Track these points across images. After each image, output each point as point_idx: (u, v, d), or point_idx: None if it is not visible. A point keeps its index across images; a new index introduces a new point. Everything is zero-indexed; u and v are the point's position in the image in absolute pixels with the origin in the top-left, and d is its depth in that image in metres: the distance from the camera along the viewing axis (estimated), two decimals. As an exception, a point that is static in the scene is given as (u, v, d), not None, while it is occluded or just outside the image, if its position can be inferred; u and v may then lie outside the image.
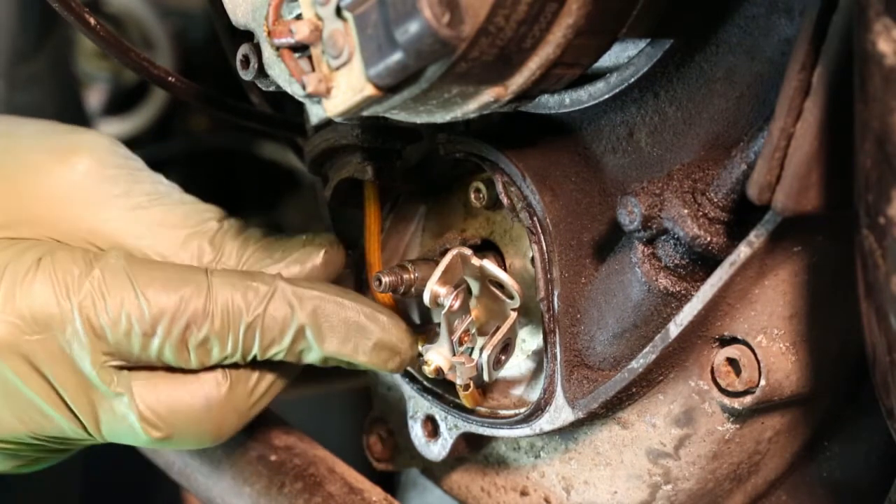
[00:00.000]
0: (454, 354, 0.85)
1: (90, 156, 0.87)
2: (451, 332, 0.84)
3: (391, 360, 0.86)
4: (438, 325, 0.86)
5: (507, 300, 0.85)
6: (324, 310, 0.84)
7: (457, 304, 0.84)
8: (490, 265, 0.85)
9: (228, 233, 0.89)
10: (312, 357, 0.85)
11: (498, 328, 0.85)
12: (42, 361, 0.80)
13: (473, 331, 0.86)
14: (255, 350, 0.83)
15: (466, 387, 0.87)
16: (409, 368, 0.92)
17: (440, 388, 0.93)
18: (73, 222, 0.86)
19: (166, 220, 0.87)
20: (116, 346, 0.80)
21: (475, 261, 0.85)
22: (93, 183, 0.86)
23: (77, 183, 0.86)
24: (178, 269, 0.83)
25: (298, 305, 0.83)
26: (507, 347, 0.86)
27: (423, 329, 0.93)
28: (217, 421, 0.84)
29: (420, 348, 0.88)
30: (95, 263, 0.81)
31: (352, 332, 0.84)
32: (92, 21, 0.85)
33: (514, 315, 0.85)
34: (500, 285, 0.85)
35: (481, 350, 0.85)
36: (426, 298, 0.84)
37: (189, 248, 0.87)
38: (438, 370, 0.86)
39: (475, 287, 0.88)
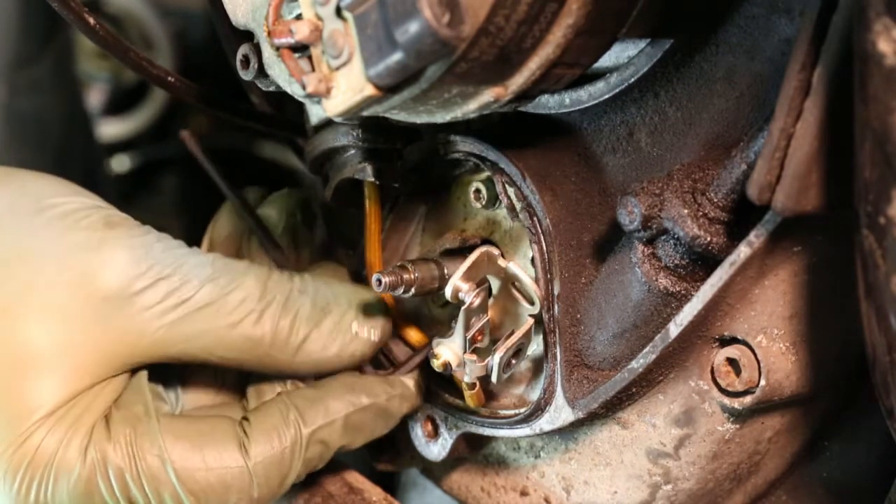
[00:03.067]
0: (465, 352, 0.85)
1: (114, 278, 0.82)
2: (466, 329, 0.84)
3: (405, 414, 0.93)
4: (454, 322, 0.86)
5: (527, 305, 0.84)
6: (353, 423, 0.88)
7: (477, 302, 0.84)
8: (516, 268, 0.85)
9: (277, 312, 0.85)
10: None
11: (513, 331, 0.85)
12: None
13: (487, 331, 0.86)
14: None
15: (472, 386, 0.87)
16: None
17: (440, 389, 0.93)
18: (117, 342, 0.83)
19: (206, 321, 0.84)
20: None
21: (502, 262, 0.85)
22: (124, 301, 0.82)
23: (107, 304, 0.82)
24: (214, 449, 0.83)
25: (331, 437, 0.86)
26: (518, 352, 0.86)
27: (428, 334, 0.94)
28: None
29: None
30: (139, 461, 0.81)
31: (377, 423, 0.90)
32: (91, 21, 0.85)
33: (531, 321, 0.85)
34: (522, 289, 0.85)
35: (494, 351, 0.84)
36: (448, 292, 0.84)
37: (236, 343, 0.85)
38: (447, 365, 0.86)
39: (495, 287, 0.87)
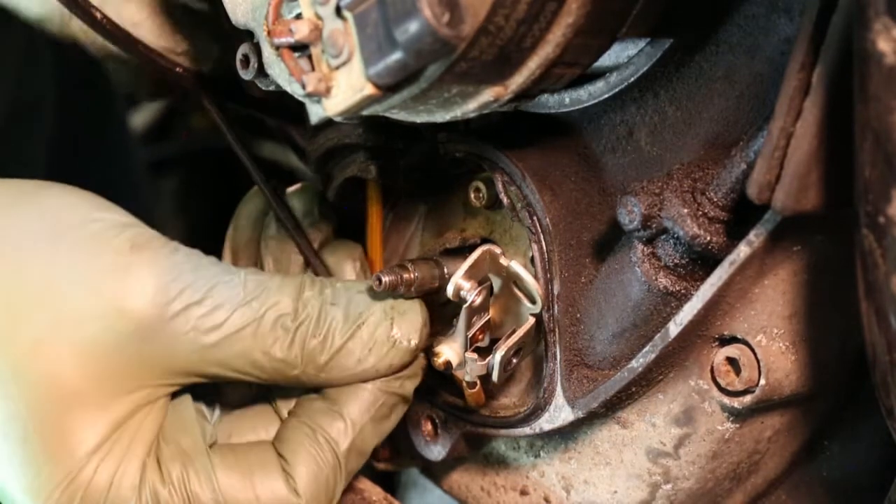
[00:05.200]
0: (466, 350, 0.85)
1: (143, 305, 0.80)
2: (467, 327, 0.84)
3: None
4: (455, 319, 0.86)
5: (529, 304, 0.84)
6: (379, 419, 0.87)
7: (478, 301, 0.84)
8: (517, 266, 0.85)
9: (309, 331, 0.83)
10: None
11: (514, 330, 0.85)
12: None
13: (488, 330, 0.86)
14: None
15: (473, 385, 0.87)
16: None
17: (440, 388, 0.93)
18: (151, 368, 0.82)
19: (240, 345, 0.82)
20: None
21: (503, 260, 0.85)
22: (156, 329, 0.80)
23: (138, 332, 0.81)
24: (263, 484, 0.82)
25: (364, 442, 0.86)
26: (519, 351, 0.86)
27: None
28: None
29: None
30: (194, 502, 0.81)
31: (400, 409, 0.89)
32: (98, 15, 0.86)
33: (532, 320, 0.85)
34: (523, 288, 0.85)
35: (495, 350, 0.84)
36: (449, 291, 0.84)
37: (269, 365, 0.83)
38: (448, 363, 0.86)
39: (496, 286, 0.88)
